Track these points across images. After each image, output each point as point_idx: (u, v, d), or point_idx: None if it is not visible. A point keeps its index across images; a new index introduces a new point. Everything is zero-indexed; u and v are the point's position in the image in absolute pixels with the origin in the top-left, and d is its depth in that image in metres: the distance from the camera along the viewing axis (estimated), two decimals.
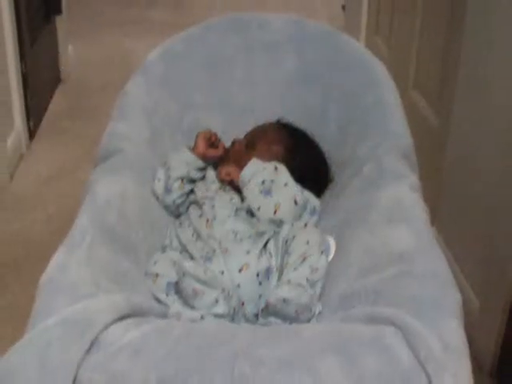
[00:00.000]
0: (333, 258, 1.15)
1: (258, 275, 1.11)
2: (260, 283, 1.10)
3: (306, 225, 1.24)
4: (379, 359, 0.80)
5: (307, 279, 1.07)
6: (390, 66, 1.54)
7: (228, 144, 1.41)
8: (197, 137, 1.36)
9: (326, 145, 1.42)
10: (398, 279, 0.97)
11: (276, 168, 1.30)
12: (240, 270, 1.11)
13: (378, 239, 1.07)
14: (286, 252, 1.13)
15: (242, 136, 1.43)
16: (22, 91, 2.37)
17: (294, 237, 1.14)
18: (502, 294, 1.41)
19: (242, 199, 1.28)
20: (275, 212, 1.23)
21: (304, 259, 1.10)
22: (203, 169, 1.36)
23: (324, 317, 1.05)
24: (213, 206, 1.25)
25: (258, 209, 1.24)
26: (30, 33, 2.47)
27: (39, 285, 0.93)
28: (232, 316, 1.08)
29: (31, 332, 0.84)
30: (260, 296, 1.09)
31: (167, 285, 1.10)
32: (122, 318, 0.88)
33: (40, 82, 2.65)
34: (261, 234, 1.19)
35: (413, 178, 1.20)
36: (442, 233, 1.73)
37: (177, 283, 1.10)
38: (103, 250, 1.04)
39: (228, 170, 1.32)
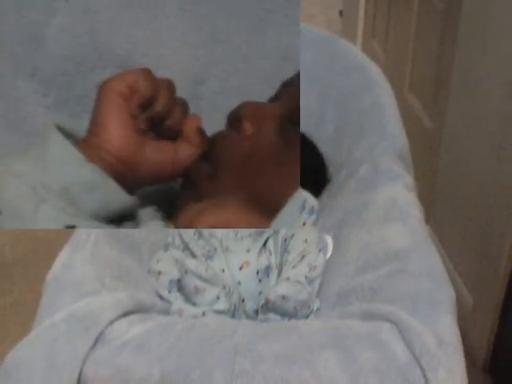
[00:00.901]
0: (330, 256, 1.17)
1: (257, 273, 1.12)
2: (260, 280, 1.12)
3: (304, 224, 1.25)
4: (376, 354, 0.81)
5: (306, 277, 1.09)
6: (386, 69, 1.55)
7: None
8: None
9: (324, 146, 1.43)
10: (393, 276, 0.97)
11: None
12: (240, 268, 1.12)
13: (375, 238, 1.07)
14: (285, 250, 1.15)
15: None
16: None
17: (292, 235, 1.16)
18: (495, 290, 1.42)
19: None
20: None
21: (302, 257, 1.12)
22: None
23: (322, 313, 1.06)
24: None
25: None
26: None
27: (45, 282, 0.94)
28: (233, 312, 1.10)
29: (38, 328, 0.85)
30: (260, 293, 1.11)
31: (170, 282, 1.12)
32: (126, 314, 0.90)
33: None
34: (260, 233, 1.20)
35: (408, 179, 1.21)
36: (437, 231, 1.74)
37: (179, 280, 1.11)
38: (107, 249, 1.05)
39: None
